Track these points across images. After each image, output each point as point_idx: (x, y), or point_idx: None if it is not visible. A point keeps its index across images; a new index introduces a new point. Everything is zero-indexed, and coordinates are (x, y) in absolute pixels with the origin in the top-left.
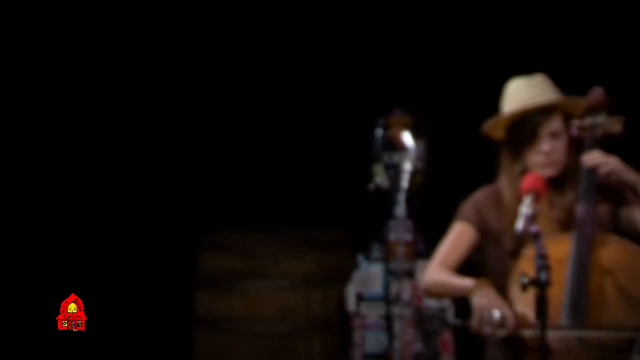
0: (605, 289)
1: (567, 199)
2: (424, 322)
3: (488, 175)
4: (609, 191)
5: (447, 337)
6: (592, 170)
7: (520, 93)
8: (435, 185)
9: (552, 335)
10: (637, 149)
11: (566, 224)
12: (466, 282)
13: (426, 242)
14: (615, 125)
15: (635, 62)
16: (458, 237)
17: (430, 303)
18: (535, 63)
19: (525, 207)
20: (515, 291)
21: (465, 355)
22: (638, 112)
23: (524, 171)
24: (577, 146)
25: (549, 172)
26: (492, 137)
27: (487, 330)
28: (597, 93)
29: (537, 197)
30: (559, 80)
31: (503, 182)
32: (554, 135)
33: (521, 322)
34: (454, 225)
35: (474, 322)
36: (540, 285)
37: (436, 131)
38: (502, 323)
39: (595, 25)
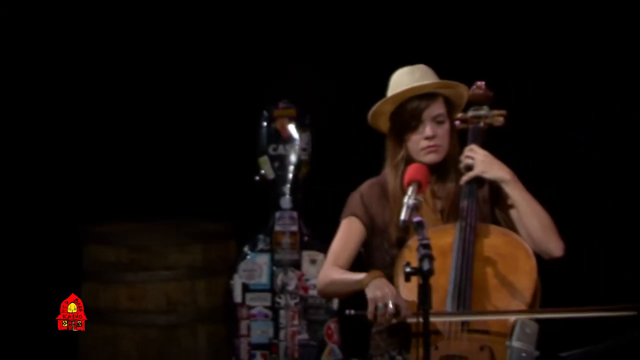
0: (488, 277)
1: (449, 188)
2: (310, 313)
3: (374, 166)
4: (489, 183)
5: (332, 326)
6: (469, 166)
7: (403, 80)
8: (320, 176)
9: (437, 322)
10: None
11: (449, 214)
12: (359, 276)
13: (311, 233)
14: (497, 118)
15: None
16: (347, 234)
17: (316, 293)
18: (419, 54)
19: (409, 198)
20: (400, 280)
21: (351, 344)
22: (521, 106)
23: (409, 161)
24: (461, 139)
25: (433, 157)
26: (377, 128)
27: (382, 320)
28: (480, 86)
29: (420, 188)
30: (443, 73)
31: (388, 173)
32: (437, 120)
33: (414, 309)
34: (342, 222)
35: (368, 314)
36: (423, 274)
37: (321, 123)
38: (396, 313)
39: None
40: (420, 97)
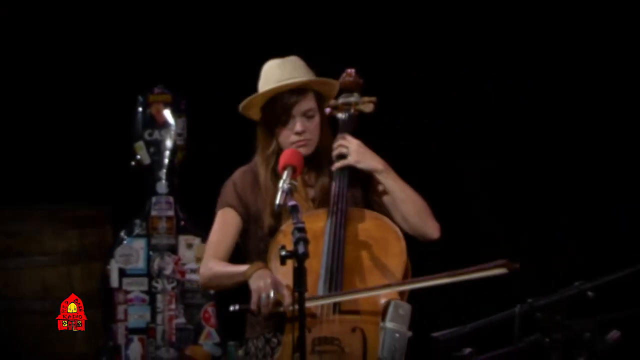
0: (360, 260)
1: (322, 178)
2: (187, 297)
3: (249, 151)
4: (362, 170)
5: (209, 310)
6: (341, 154)
7: (274, 73)
8: (196, 161)
9: (310, 305)
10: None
11: (321, 202)
12: (241, 267)
13: (188, 218)
14: (367, 105)
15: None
16: (224, 225)
17: (193, 277)
18: (292, 42)
19: (283, 182)
20: (275, 264)
21: (228, 327)
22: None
23: (280, 151)
24: (332, 125)
25: (303, 151)
26: (249, 117)
27: (266, 310)
28: (350, 73)
29: (294, 172)
30: (316, 62)
31: (259, 161)
32: (307, 115)
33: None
34: (218, 214)
35: (252, 305)
36: (299, 257)
37: (197, 108)
38: (280, 302)
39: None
40: (290, 92)
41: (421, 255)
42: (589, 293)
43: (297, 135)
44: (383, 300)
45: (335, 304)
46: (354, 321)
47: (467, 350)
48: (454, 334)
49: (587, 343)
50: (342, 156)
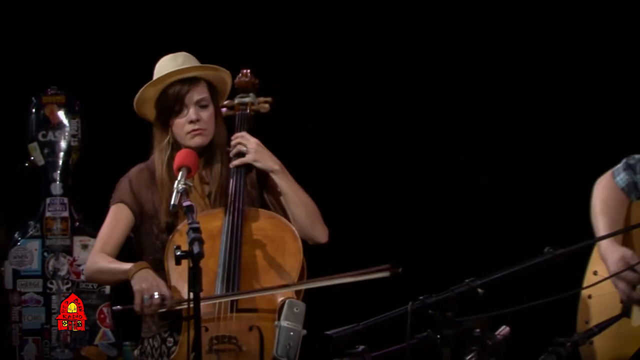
0: (256, 259)
1: (217, 173)
2: (82, 297)
3: (144, 152)
4: (258, 170)
5: (105, 310)
6: (239, 152)
7: (166, 66)
8: (90, 162)
9: (206, 304)
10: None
11: (218, 198)
12: (125, 266)
13: (83, 219)
14: (263, 105)
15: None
16: (115, 220)
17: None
18: (185, 41)
19: (178, 183)
20: (170, 264)
21: (123, 327)
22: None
23: (175, 146)
24: (229, 124)
25: (199, 140)
26: (144, 116)
27: (149, 311)
28: (245, 74)
29: (189, 173)
30: (209, 61)
31: (155, 159)
32: (201, 104)
33: (179, 296)
34: (110, 209)
35: (135, 306)
36: (194, 257)
37: (90, 109)
38: (162, 304)
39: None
40: (182, 81)
41: (320, 254)
42: (479, 290)
43: (191, 124)
44: (279, 299)
45: (232, 303)
46: (251, 319)
47: (361, 347)
48: (348, 331)
49: (477, 339)
50: (241, 154)
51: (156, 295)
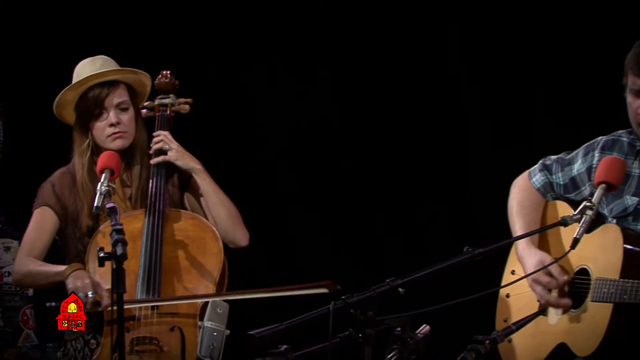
0: (178, 260)
1: (138, 175)
2: (5, 299)
3: (65, 155)
4: (180, 172)
5: (28, 312)
6: (160, 150)
7: (85, 69)
8: (13, 164)
9: (128, 306)
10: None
11: (138, 200)
12: (58, 267)
13: (5, 221)
14: (183, 106)
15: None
16: (40, 223)
17: (11, 280)
18: (107, 49)
19: (101, 185)
20: (93, 265)
21: (46, 329)
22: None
23: (95, 149)
24: (149, 125)
25: (119, 143)
26: (64, 120)
27: (84, 310)
28: (165, 75)
29: (112, 174)
30: (128, 63)
31: (75, 162)
32: (121, 107)
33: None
34: (34, 212)
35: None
36: (117, 259)
37: (13, 112)
38: (98, 303)
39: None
40: (102, 85)
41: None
42: (400, 289)
43: (112, 127)
44: (202, 300)
45: (153, 304)
46: (173, 320)
47: (283, 347)
48: (270, 331)
49: (398, 338)
50: (161, 152)
51: (90, 294)
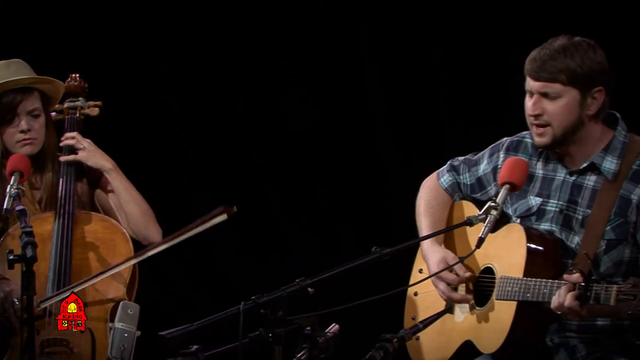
0: (88, 262)
1: (48, 179)
2: None
3: None
4: (90, 172)
5: None
6: (71, 148)
7: None
8: None
9: (39, 307)
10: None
11: (48, 203)
12: None
13: None
14: (93, 109)
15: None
16: None
17: None
18: (15, 51)
19: (11, 187)
20: (3, 268)
21: None
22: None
23: (5, 153)
24: (59, 128)
25: (29, 150)
26: None
27: (13, 319)
28: (74, 77)
29: (21, 177)
30: (41, 66)
31: None
32: (32, 114)
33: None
34: None
35: (11, 316)
36: (27, 261)
37: None
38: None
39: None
40: (16, 91)
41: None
42: (310, 289)
43: (22, 133)
44: (111, 302)
45: None
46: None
47: (194, 347)
48: (181, 331)
49: (308, 337)
50: (72, 151)
51: (17, 302)
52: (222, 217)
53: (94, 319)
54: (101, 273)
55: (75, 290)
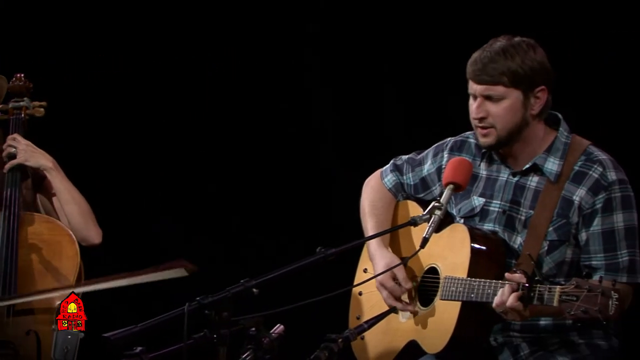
0: (33, 263)
1: None
2: None
3: None
4: (33, 174)
5: None
6: (11, 155)
7: None
8: None
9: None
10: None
11: None
12: None
13: None
14: (38, 109)
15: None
16: None
17: None
18: None
19: None
20: None
21: None
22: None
23: None
24: (4, 128)
25: None
26: None
27: None
28: (19, 77)
29: None
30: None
31: None
32: None
33: None
34: None
35: None
36: None
37: None
38: None
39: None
40: None
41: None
42: (254, 290)
43: None
44: (57, 302)
45: (9, 308)
46: (28, 324)
47: (138, 348)
48: (125, 333)
49: (253, 337)
50: (12, 156)
51: None
52: (182, 273)
53: (40, 322)
54: (46, 291)
55: (19, 301)
